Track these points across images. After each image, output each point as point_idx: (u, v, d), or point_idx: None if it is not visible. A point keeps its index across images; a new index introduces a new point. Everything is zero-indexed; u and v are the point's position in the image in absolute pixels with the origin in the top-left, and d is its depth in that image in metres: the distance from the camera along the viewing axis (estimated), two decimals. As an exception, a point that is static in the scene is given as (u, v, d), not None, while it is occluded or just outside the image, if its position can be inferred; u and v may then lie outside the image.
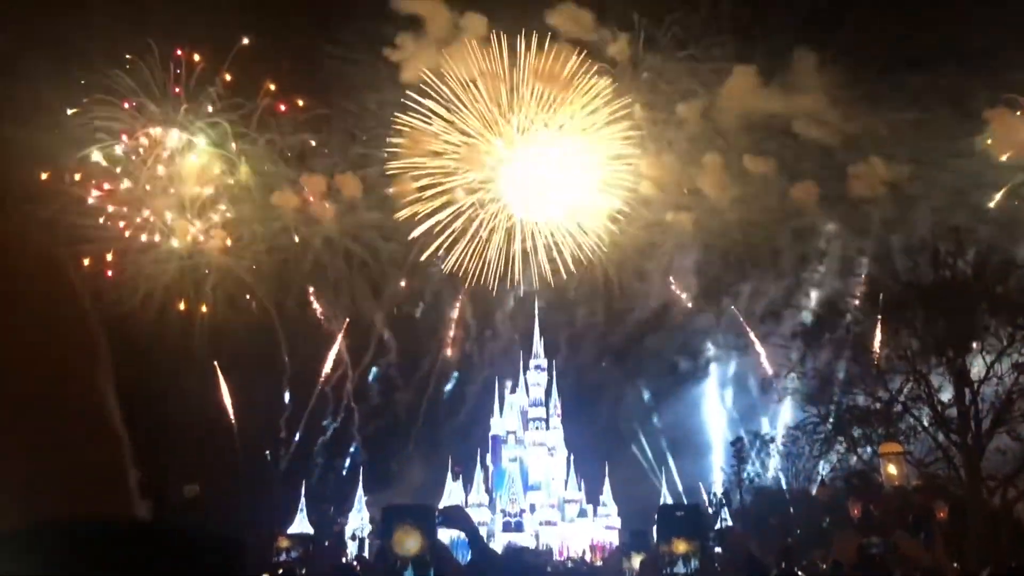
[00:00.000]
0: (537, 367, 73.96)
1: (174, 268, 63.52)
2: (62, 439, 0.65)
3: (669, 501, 63.87)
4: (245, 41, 59.62)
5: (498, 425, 72.65)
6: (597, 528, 68.38)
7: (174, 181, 63.05)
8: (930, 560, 10.58)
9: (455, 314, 74.68)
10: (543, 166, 69.24)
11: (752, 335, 67.14)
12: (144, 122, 61.15)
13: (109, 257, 59.86)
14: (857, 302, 33.84)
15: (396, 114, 66.53)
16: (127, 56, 58.29)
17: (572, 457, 71.13)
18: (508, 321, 76.25)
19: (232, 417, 66.43)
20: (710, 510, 52.26)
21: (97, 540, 0.59)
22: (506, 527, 66.32)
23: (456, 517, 5.79)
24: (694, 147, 66.01)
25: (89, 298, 0.72)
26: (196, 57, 60.45)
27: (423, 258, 69.80)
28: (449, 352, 74.85)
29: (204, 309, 64.31)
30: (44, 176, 55.80)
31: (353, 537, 62.79)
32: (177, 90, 61.10)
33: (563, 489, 70.21)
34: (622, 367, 73.89)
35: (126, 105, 59.75)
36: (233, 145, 63.59)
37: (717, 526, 44.79)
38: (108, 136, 59.74)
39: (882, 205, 58.27)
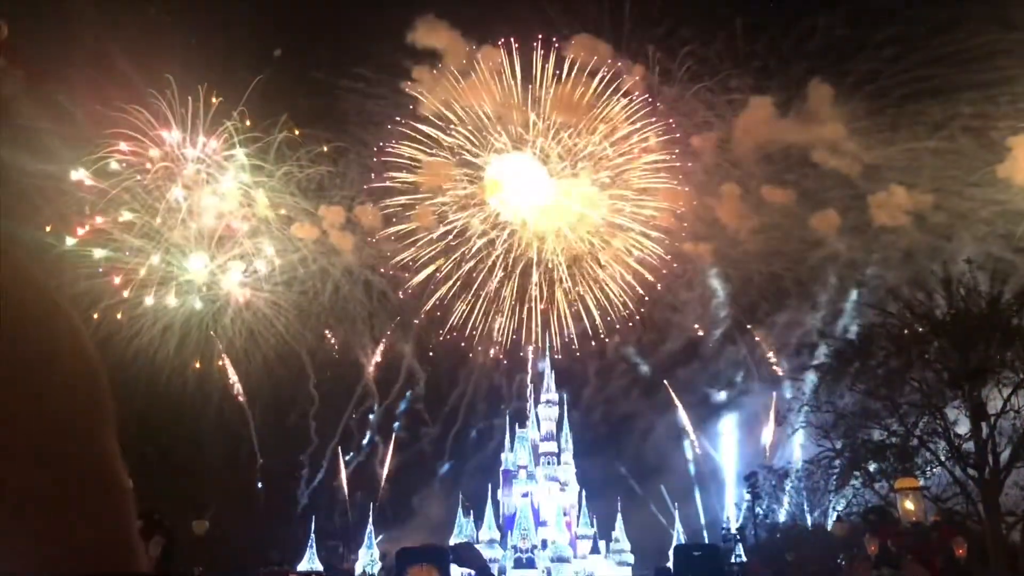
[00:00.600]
0: (548, 401, 73.57)
1: (191, 302, 63.92)
2: (62, 491, 0.63)
3: (683, 538, 63.20)
4: (261, 77, 60.32)
5: (509, 460, 72.13)
6: (610, 565, 67.52)
7: (192, 214, 63.58)
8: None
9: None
10: (562, 199, 69.68)
11: (772, 365, 66.88)
12: (162, 155, 61.84)
13: (126, 294, 60.28)
14: (872, 335, 33.50)
15: (412, 146, 67.34)
16: (150, 90, 59.15)
17: (584, 492, 70.52)
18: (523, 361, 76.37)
19: (256, 451, 66.40)
20: (726, 544, 51.59)
21: None
22: (517, 563, 65.50)
23: (467, 555, 5.71)
24: (713, 179, 66.33)
25: (92, 343, 0.69)
26: (214, 93, 61.26)
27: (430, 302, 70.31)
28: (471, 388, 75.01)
29: (222, 353, 64.65)
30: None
31: (364, 574, 62.19)
32: (194, 123, 61.91)
33: (575, 525, 69.47)
34: (639, 403, 73.81)
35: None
36: (249, 176, 64.22)
37: (731, 561, 44.22)
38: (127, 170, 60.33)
39: (902, 235, 57.92)
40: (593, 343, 74.31)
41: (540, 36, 65.71)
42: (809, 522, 48.53)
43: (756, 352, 69.34)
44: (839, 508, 38.90)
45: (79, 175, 56.39)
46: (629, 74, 66.26)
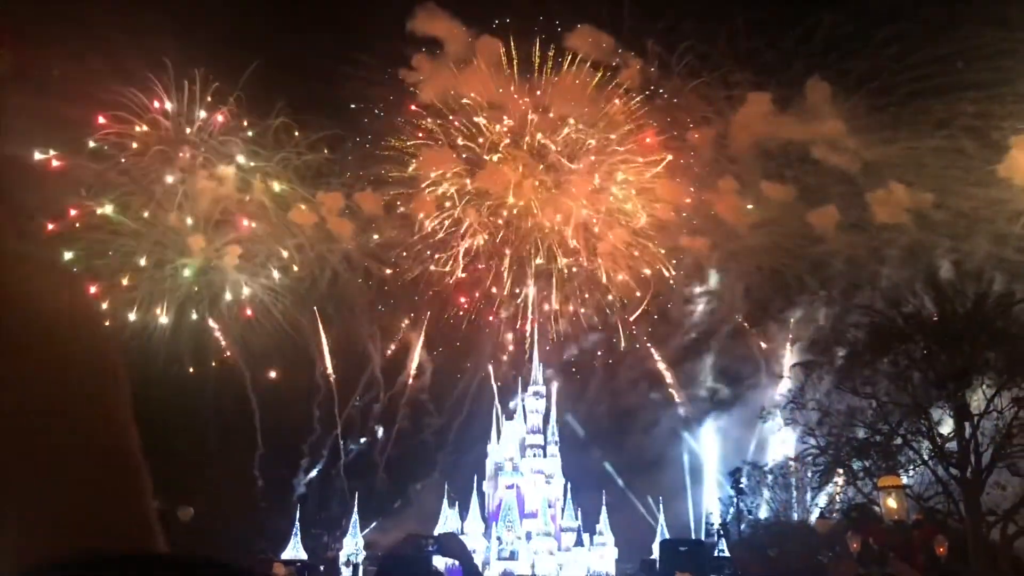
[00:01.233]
0: (535, 394, 73.63)
1: (188, 285, 63.70)
2: (80, 469, 0.63)
3: (667, 533, 63.43)
4: (258, 61, 59.95)
5: (495, 452, 72.21)
6: (593, 558, 67.73)
7: (188, 198, 63.22)
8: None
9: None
10: (559, 191, 69.64)
11: (767, 361, 67.10)
12: (157, 139, 61.46)
13: (125, 282, 59.94)
14: (859, 334, 33.64)
15: (410, 134, 67.17)
16: (149, 74, 58.77)
17: (569, 485, 70.66)
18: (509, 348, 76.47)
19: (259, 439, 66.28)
20: (708, 540, 51.81)
21: (113, 573, 0.58)
22: (501, 556, 65.66)
23: (451, 545, 5.73)
24: (711, 173, 66.32)
25: (106, 320, 0.66)
26: (210, 79, 60.90)
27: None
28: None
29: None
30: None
31: (347, 563, 62.15)
32: (190, 107, 61.56)
33: (560, 518, 69.63)
34: (631, 398, 74.09)
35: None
36: (244, 160, 63.89)
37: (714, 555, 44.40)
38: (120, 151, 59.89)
39: (902, 233, 57.84)
40: (583, 337, 74.63)
41: (539, 26, 65.59)
42: (794, 518, 48.79)
43: (754, 348, 69.52)
44: (821, 504, 39.17)
45: (46, 156, 53.65)
46: (628, 67, 66.19)
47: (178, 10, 53.09)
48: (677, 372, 73.35)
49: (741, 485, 45.27)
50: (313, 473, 70.31)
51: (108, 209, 58.93)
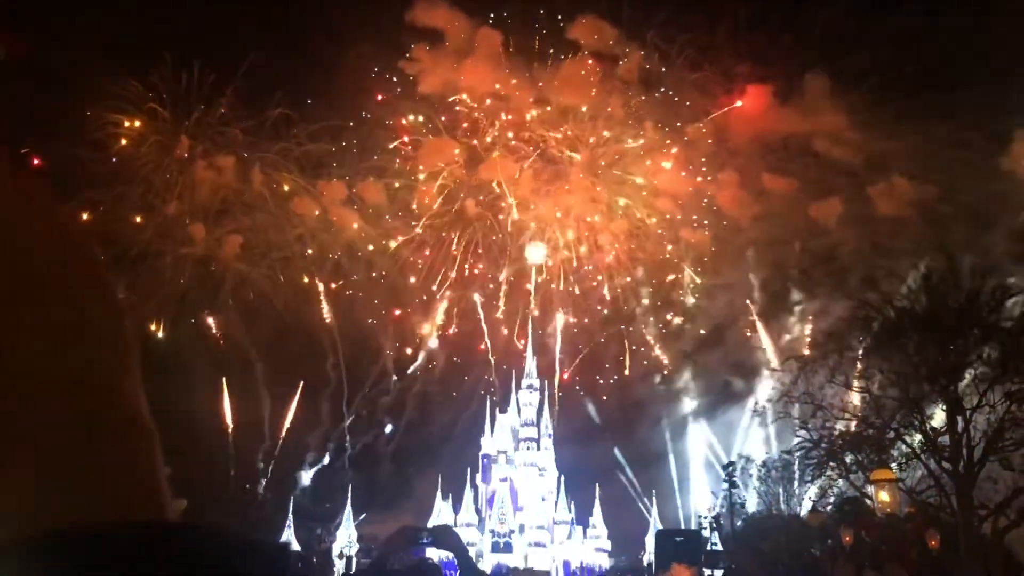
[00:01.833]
0: (529, 387, 73.69)
1: (189, 274, 63.52)
2: (92, 437, 0.61)
3: (660, 525, 63.55)
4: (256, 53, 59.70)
5: (488, 445, 72.26)
6: (587, 550, 67.91)
7: (188, 188, 62.99)
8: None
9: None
10: (560, 183, 69.49)
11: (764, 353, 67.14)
12: (156, 128, 61.19)
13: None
14: (852, 327, 33.65)
15: (410, 125, 66.90)
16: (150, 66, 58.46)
17: (563, 478, 70.79)
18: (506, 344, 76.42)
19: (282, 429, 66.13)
20: (705, 532, 51.95)
21: (136, 544, 0.56)
22: (495, 548, 65.77)
23: (446, 537, 5.69)
24: (713, 165, 66.21)
25: (117, 290, 0.67)
26: (208, 67, 60.58)
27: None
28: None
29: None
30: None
31: (340, 555, 62.21)
32: (187, 98, 61.24)
33: (553, 510, 69.76)
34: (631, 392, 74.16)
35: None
36: (243, 151, 63.62)
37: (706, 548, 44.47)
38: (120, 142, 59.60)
39: (905, 225, 57.66)
40: (582, 332, 74.70)
41: (540, 19, 65.32)
42: (784, 511, 48.92)
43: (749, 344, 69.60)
44: (813, 497, 39.27)
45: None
46: (628, 60, 65.96)
47: (175, 1, 52.95)
48: (672, 368, 73.43)
49: (734, 478, 45.35)
50: (317, 467, 70.28)
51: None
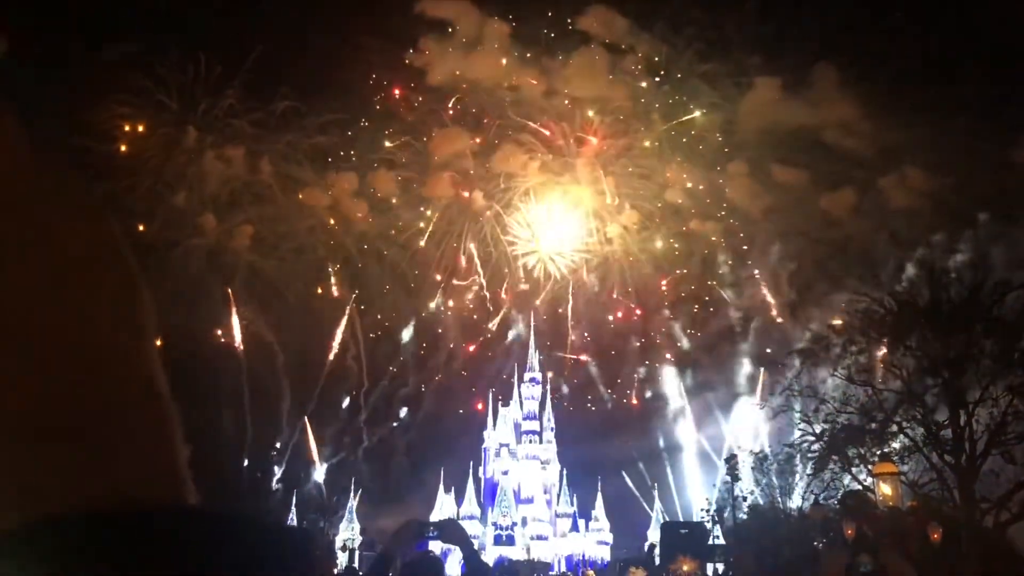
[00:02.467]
0: (532, 380, 73.74)
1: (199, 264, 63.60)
2: (106, 420, 0.59)
3: (663, 518, 63.65)
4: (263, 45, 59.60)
5: (491, 438, 72.35)
6: (589, 543, 68.04)
7: (197, 179, 63.01)
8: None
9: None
10: (568, 176, 69.37)
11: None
12: (164, 120, 61.19)
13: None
14: (854, 320, 33.65)
15: (418, 117, 66.79)
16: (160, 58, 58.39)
17: (565, 471, 70.90)
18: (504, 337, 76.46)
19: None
20: (707, 525, 52.06)
21: (158, 527, 0.55)
22: (497, 540, 65.93)
23: (451, 531, 5.72)
24: (723, 157, 65.99)
25: (137, 268, 0.64)
26: (215, 59, 60.56)
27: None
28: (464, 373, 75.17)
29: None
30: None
31: (344, 548, 62.36)
32: (194, 90, 61.23)
33: (555, 503, 69.88)
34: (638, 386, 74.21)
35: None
36: (252, 142, 63.57)
37: (708, 542, 44.57)
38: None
39: (917, 217, 57.34)
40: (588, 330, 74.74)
41: (549, 10, 65.08)
42: (786, 505, 48.99)
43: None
44: (815, 491, 39.30)
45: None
46: (636, 52, 65.74)
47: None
48: (681, 361, 73.37)
49: (736, 471, 45.41)
50: (334, 460, 70.41)
51: None
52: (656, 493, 68.87)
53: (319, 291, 69.68)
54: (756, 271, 68.22)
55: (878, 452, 29.36)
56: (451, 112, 68.29)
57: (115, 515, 0.54)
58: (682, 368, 73.34)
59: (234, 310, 66.19)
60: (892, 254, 54.51)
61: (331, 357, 70.53)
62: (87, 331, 0.60)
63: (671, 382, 73.84)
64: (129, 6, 50.27)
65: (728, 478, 46.35)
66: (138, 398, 0.62)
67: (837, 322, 36.18)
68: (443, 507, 64.40)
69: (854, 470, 31.47)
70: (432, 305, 73.34)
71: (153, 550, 0.54)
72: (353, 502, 66.02)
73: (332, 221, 66.64)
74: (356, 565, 46.58)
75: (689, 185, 67.69)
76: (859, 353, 31.79)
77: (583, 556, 67.20)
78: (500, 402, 73.45)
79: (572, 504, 69.36)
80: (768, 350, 63.73)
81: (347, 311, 70.00)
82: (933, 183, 57.45)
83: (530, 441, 71.77)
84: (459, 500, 67.37)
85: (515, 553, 64.21)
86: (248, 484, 60.48)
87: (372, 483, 68.85)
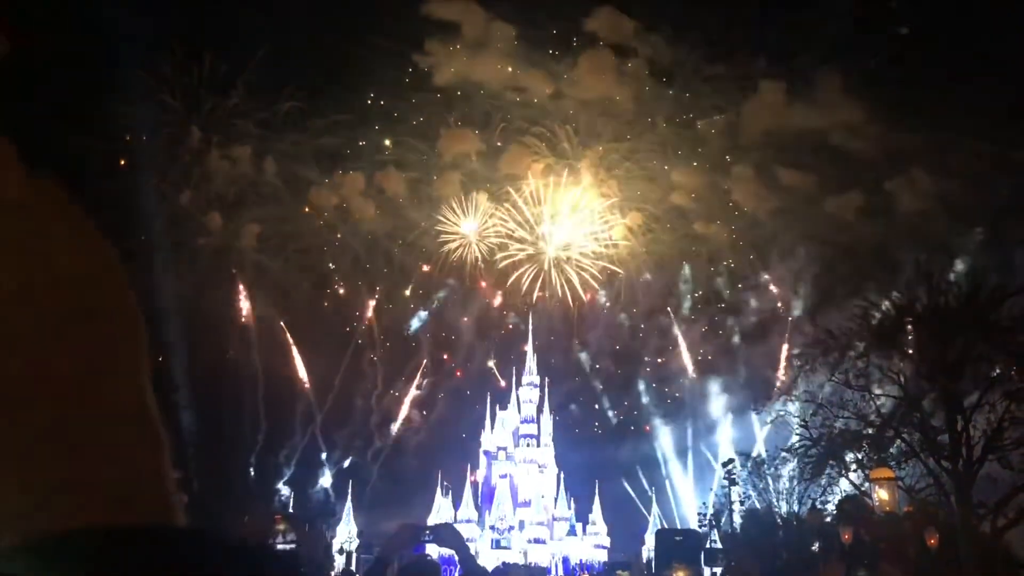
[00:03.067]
0: (530, 384, 73.72)
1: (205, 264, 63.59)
2: (100, 438, 0.59)
3: (660, 523, 63.67)
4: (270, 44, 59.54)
5: (489, 441, 72.30)
6: (586, 547, 68.00)
7: (202, 178, 62.98)
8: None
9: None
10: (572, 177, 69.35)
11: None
12: (169, 119, 61.17)
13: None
14: (851, 324, 33.67)
15: (425, 117, 66.83)
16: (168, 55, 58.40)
17: (562, 475, 70.84)
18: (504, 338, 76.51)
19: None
20: (700, 530, 52.04)
21: (142, 549, 0.55)
22: (495, 544, 65.87)
23: (447, 535, 5.75)
24: (727, 160, 65.94)
25: (129, 286, 0.64)
26: (219, 59, 60.52)
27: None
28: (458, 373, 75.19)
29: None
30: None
31: (341, 551, 62.29)
32: (198, 89, 61.20)
33: (553, 507, 69.83)
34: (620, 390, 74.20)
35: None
36: (257, 142, 63.54)
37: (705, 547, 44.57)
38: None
39: (925, 221, 57.12)
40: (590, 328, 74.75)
41: (554, 13, 65.01)
42: (783, 510, 49.03)
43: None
44: (813, 496, 39.32)
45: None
46: (641, 56, 65.73)
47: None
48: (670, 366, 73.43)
49: (733, 476, 45.43)
50: (344, 463, 70.39)
51: None
52: (653, 497, 68.93)
53: (327, 291, 69.66)
54: (764, 275, 68.20)
55: (875, 457, 29.40)
56: (455, 114, 68.30)
57: (96, 534, 0.54)
58: (685, 374, 73.36)
59: (244, 308, 66.14)
60: (893, 259, 54.65)
61: (346, 359, 70.66)
62: (79, 353, 0.60)
63: (672, 386, 73.87)
64: (133, 5, 50.15)
65: (726, 482, 46.41)
66: (128, 415, 0.62)
67: (835, 327, 36.22)
68: (440, 510, 64.33)
69: (851, 475, 31.50)
70: (436, 305, 73.25)
71: (133, 571, 0.53)
72: (349, 505, 65.97)
73: (339, 221, 66.67)
74: (353, 568, 46.49)
75: (693, 192, 67.66)
76: (857, 358, 31.81)
77: (580, 560, 67.16)
78: (498, 405, 73.49)
79: (570, 508, 69.34)
80: (767, 352, 63.86)
81: (358, 312, 70.10)
82: (940, 187, 57.36)
83: (528, 445, 71.75)
84: (456, 503, 67.32)
85: (512, 557, 64.14)
86: (254, 486, 60.56)
87: (372, 486, 68.82)
